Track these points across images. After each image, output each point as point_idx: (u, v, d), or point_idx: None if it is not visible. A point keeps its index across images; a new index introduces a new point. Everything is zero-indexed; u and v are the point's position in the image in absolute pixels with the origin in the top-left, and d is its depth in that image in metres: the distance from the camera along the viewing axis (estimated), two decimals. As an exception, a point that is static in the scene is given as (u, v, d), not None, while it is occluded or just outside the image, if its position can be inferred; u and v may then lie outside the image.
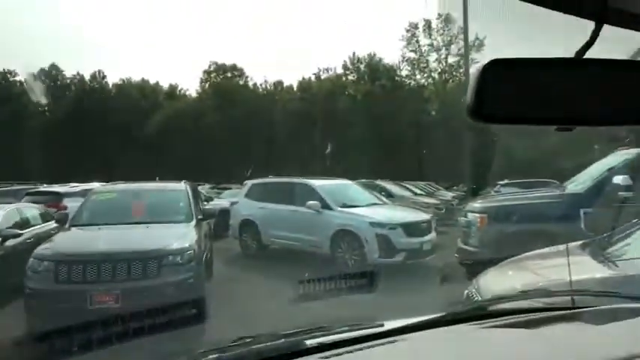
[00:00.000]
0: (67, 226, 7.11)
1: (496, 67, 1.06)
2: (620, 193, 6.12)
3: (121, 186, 8.85)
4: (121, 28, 67.80)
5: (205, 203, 12.25)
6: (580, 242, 4.40)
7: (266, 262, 9.93)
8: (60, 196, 12.30)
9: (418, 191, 18.87)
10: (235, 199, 11.87)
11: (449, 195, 20.04)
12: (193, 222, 6.97)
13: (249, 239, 10.85)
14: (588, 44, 1.06)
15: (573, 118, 1.07)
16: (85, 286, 5.47)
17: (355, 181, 13.07)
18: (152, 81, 52.95)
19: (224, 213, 12.06)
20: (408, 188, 18.41)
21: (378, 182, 17.24)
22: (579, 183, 7.08)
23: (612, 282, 3.23)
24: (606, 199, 6.20)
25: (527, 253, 4.55)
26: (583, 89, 1.06)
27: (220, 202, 14.09)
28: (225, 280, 8.14)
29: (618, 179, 6.20)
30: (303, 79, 50.15)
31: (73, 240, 6.55)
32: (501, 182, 18.74)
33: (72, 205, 9.74)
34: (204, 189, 22.22)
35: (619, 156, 6.87)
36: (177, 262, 5.79)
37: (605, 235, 4.42)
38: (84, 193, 9.38)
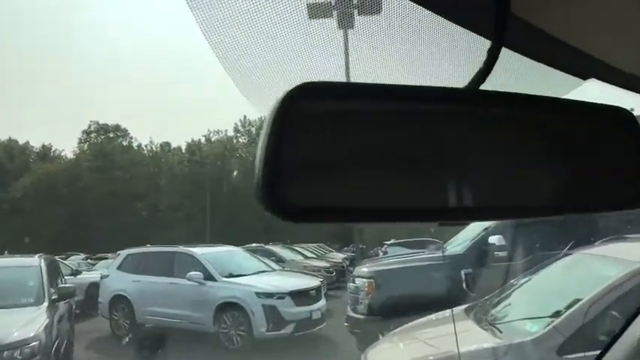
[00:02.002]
0: None
1: (304, 100, 0.50)
2: (495, 252, 6.35)
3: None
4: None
5: (71, 277, 10.85)
6: (464, 307, 4.38)
7: (140, 344, 8.78)
8: None
9: (309, 254, 18.63)
10: (106, 272, 10.60)
11: (340, 256, 20.06)
12: (45, 304, 6.09)
13: (121, 318, 9.70)
14: (483, 72, 0.61)
15: (461, 210, 0.55)
16: None
17: (243, 246, 12.50)
18: (21, 141, 48.75)
19: (93, 288, 10.80)
20: (298, 252, 18.11)
21: (268, 247, 16.76)
22: (458, 243, 7.25)
23: (497, 352, 3.29)
24: (484, 258, 6.39)
25: (415, 321, 4.44)
26: (480, 149, 0.55)
27: (90, 276, 12.89)
28: (86, 371, 7.07)
29: (493, 239, 6.43)
30: (193, 140, 49.21)
31: None
32: (387, 242, 19.23)
33: None
34: (77, 260, 20.12)
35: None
36: (14, 359, 4.77)
37: (486, 297, 4.45)
38: None
